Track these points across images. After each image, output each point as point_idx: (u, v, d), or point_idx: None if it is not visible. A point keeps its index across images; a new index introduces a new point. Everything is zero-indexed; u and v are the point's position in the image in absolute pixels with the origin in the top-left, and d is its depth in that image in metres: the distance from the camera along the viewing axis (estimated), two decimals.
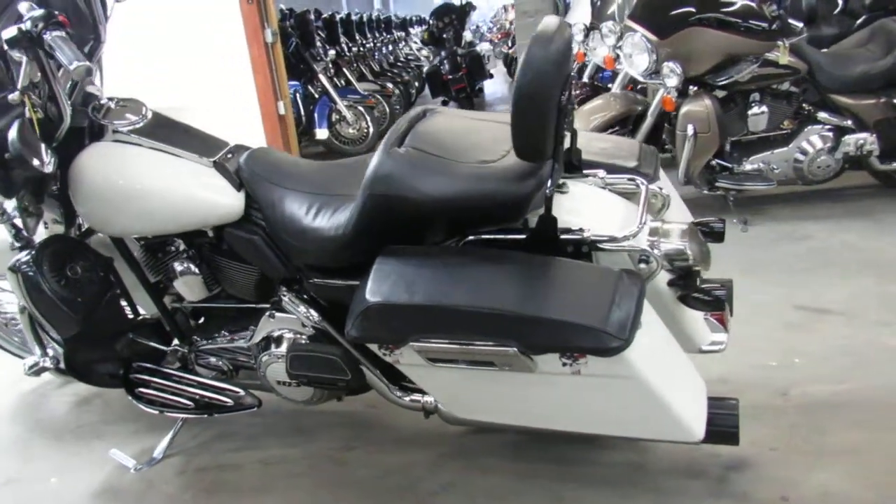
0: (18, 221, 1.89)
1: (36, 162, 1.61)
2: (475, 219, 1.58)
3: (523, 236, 1.57)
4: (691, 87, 3.44)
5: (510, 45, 10.19)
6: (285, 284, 1.89)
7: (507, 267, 1.48)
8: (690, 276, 1.60)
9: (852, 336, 2.34)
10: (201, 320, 2.17)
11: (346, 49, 7.06)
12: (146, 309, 2.17)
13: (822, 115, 3.45)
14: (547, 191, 1.50)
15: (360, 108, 6.28)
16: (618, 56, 3.72)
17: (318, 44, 6.25)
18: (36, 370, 2.06)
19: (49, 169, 1.67)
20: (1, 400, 2.49)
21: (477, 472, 1.90)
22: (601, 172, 1.77)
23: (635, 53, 3.43)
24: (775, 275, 2.90)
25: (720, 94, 3.46)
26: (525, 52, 1.41)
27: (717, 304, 1.55)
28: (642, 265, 1.55)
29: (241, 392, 2.05)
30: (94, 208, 1.88)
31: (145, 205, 1.85)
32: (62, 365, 2.05)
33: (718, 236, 1.77)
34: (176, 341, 2.14)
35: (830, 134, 3.43)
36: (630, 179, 1.74)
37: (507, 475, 1.88)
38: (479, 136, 1.70)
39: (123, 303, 2.13)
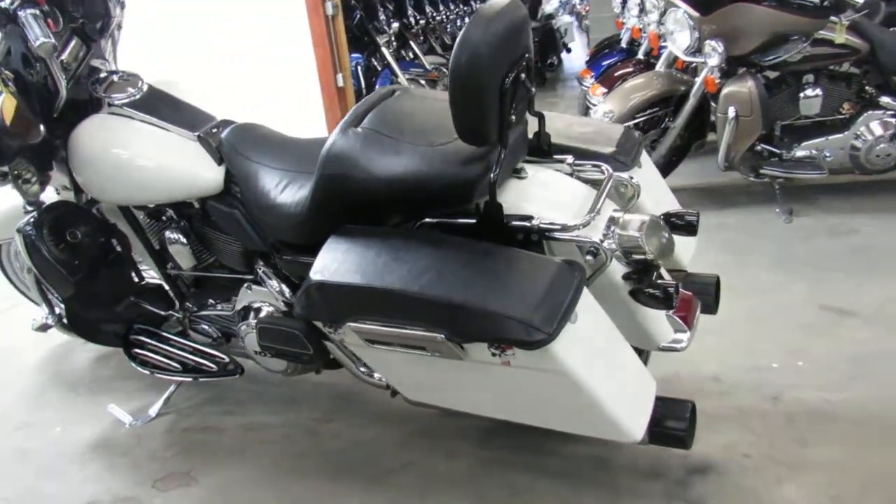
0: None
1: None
2: (423, 201, 1.56)
3: (473, 221, 1.55)
4: (741, 67, 3.24)
5: None
6: (262, 258, 1.93)
7: (446, 253, 1.46)
8: (647, 271, 1.53)
9: (867, 343, 2.18)
10: (197, 288, 2.26)
11: (413, 22, 7.04)
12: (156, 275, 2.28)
13: (884, 99, 3.17)
14: (491, 176, 1.46)
15: (423, 81, 6.27)
16: (662, 33, 3.54)
17: (382, 17, 6.25)
18: (41, 326, 2.21)
19: (34, 140, 1.76)
20: (31, 351, 2.67)
21: (440, 454, 1.91)
22: (569, 158, 1.71)
23: (677, 30, 3.26)
24: (808, 271, 2.72)
25: (772, 75, 3.25)
26: (462, 32, 1.37)
27: (666, 301, 1.47)
28: (589, 257, 1.49)
29: (226, 359, 2.13)
30: (89, 177, 1.98)
31: (132, 175, 1.93)
32: (66, 322, 2.19)
33: (690, 229, 1.67)
34: (177, 306, 2.24)
35: (893, 120, 3.15)
36: (595, 166, 1.67)
37: (469, 460, 1.87)
38: (441, 117, 1.66)
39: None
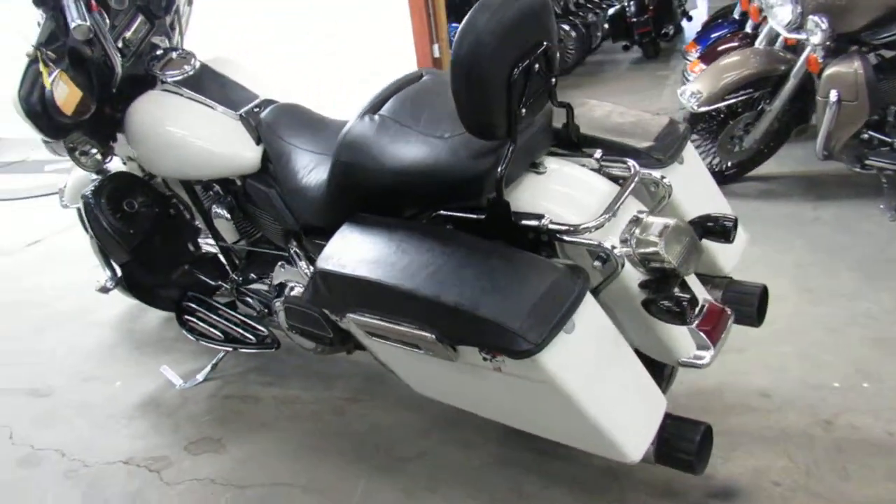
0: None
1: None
2: (431, 194, 1.51)
3: (483, 217, 1.49)
4: (852, 46, 2.92)
5: None
6: (295, 238, 1.96)
7: (448, 250, 1.41)
8: (666, 280, 1.41)
9: None
10: (248, 261, 2.33)
11: None
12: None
13: None
14: (498, 172, 1.39)
15: None
16: (761, 6, 3.23)
17: None
18: (102, 288, 2.36)
19: (83, 117, 1.86)
20: (111, 308, 2.87)
21: (456, 446, 1.88)
22: (598, 153, 1.60)
23: (777, 4, 2.97)
24: None
25: (888, 54, 2.90)
26: (466, 18, 1.30)
27: (680, 316, 1.35)
28: (598, 263, 1.40)
29: (265, 332, 2.20)
30: (142, 151, 2.07)
31: (178, 151, 2.00)
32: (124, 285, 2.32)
33: (725, 235, 1.52)
34: (229, 277, 2.32)
35: None
36: (622, 163, 1.55)
37: (483, 456, 1.84)
38: None
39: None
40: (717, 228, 1.53)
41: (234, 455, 1.97)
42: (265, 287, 2.15)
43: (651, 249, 1.38)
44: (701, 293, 1.57)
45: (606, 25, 8.46)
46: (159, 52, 2.11)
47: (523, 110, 1.38)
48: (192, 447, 2.02)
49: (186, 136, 1.97)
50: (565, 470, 1.75)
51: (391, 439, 1.95)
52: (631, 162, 1.54)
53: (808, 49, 2.94)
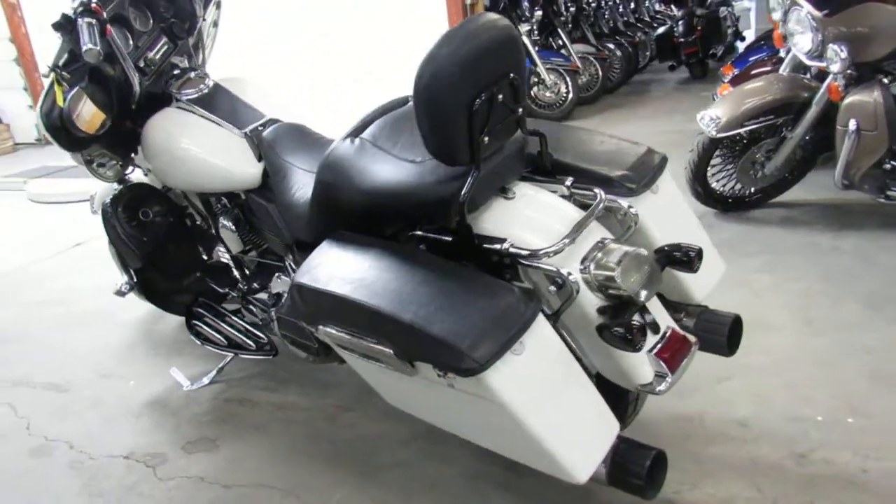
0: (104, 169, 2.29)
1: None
2: (403, 216, 1.58)
3: (450, 239, 1.55)
4: (876, 74, 2.87)
5: None
6: (291, 251, 2.05)
7: (413, 270, 1.47)
8: (624, 307, 1.44)
9: None
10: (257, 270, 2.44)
11: (563, 9, 6.89)
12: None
13: None
14: (462, 197, 1.45)
15: (562, 71, 6.15)
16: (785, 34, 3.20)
17: (526, 3, 6.19)
18: (118, 291, 2.50)
19: (98, 132, 2.00)
20: (135, 310, 3.02)
21: (434, 459, 1.93)
22: (569, 180, 1.64)
23: (798, 31, 2.95)
24: None
25: None
26: (428, 51, 1.36)
27: (630, 343, 1.38)
28: (553, 288, 1.44)
29: (265, 340, 2.30)
30: (156, 164, 2.21)
31: (186, 165, 2.12)
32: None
33: (688, 265, 1.54)
34: (239, 286, 2.43)
35: None
36: (588, 190, 1.59)
37: (457, 469, 1.88)
38: None
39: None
40: (681, 258, 1.54)
41: (226, 455, 2.06)
42: (266, 296, 2.25)
43: (608, 275, 1.42)
44: (665, 321, 1.59)
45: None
46: (176, 71, 2.25)
47: (485, 139, 1.43)
48: (188, 446, 2.12)
49: (194, 151, 2.10)
50: (535, 488, 1.78)
51: (375, 448, 2.02)
52: (597, 189, 1.58)
53: (829, 77, 2.91)
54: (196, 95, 2.19)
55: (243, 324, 2.37)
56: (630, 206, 1.60)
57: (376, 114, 1.74)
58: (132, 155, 2.33)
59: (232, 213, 2.25)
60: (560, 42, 6.75)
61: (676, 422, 1.97)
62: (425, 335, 1.34)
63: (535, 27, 6.25)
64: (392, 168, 1.56)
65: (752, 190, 3.45)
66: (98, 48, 1.84)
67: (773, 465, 1.76)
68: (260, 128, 2.10)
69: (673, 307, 1.74)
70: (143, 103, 2.19)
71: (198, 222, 2.45)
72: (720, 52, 7.82)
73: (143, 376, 2.56)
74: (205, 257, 2.49)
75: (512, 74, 1.46)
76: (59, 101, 1.91)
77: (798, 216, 3.34)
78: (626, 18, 8.67)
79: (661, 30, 8.01)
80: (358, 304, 1.44)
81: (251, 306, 2.35)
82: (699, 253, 1.54)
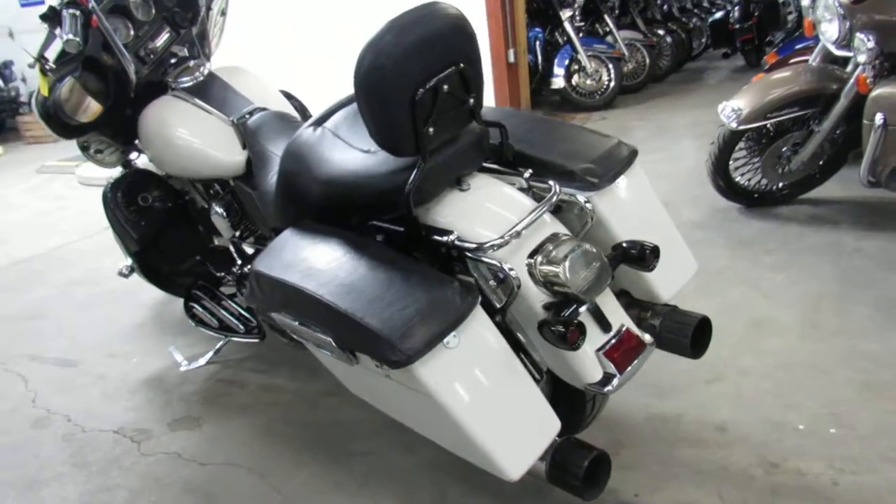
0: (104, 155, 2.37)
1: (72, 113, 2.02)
2: (357, 206, 1.58)
3: (401, 230, 1.54)
4: None
5: None
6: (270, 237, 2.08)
7: (360, 259, 1.47)
8: (569, 304, 1.41)
9: None
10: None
11: None
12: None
13: None
14: (406, 188, 1.44)
15: (604, 58, 6.02)
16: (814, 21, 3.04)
17: None
18: (120, 272, 2.59)
19: (89, 120, 2.07)
20: (151, 291, 3.10)
21: (399, 448, 1.94)
22: (527, 172, 1.61)
23: (826, 19, 2.80)
24: None
25: None
26: (369, 39, 1.35)
27: (566, 341, 1.35)
28: (493, 282, 1.42)
29: (254, 323, 2.34)
30: (150, 150, 2.27)
31: (178, 152, 2.18)
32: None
33: (642, 262, 1.49)
34: (233, 270, 2.49)
35: None
36: (544, 182, 1.56)
37: (419, 460, 1.89)
38: None
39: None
40: (637, 255, 1.50)
41: (206, 434, 2.12)
42: None
43: (553, 270, 1.39)
44: (619, 319, 1.54)
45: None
46: (173, 60, 2.30)
47: (430, 130, 1.42)
48: (174, 423, 2.19)
49: (183, 138, 2.15)
50: (493, 482, 1.75)
51: (348, 434, 2.04)
52: (552, 182, 1.55)
53: (858, 68, 2.76)
54: (190, 84, 2.24)
55: (237, 307, 2.42)
56: (587, 201, 1.56)
57: (341, 103, 1.74)
58: (136, 142, 2.40)
59: (224, 199, 2.30)
60: (606, 28, 6.60)
61: (653, 422, 1.92)
62: (359, 325, 1.34)
63: (577, 13, 6.13)
64: (347, 157, 1.57)
65: (780, 185, 3.31)
66: (78, 39, 1.90)
67: (741, 472, 1.70)
68: (247, 115, 2.14)
69: (640, 306, 1.70)
70: (141, 92, 2.25)
71: (199, 207, 2.51)
72: (778, 39, 7.48)
73: (146, 355, 2.65)
74: (204, 241, 2.56)
75: (462, 65, 1.44)
76: (44, 91, 1.99)
77: (825, 214, 3.18)
78: (682, 4, 8.41)
79: (717, 15, 7.74)
80: (303, 292, 1.45)
81: (244, 290, 2.40)
82: (654, 250, 1.49)
